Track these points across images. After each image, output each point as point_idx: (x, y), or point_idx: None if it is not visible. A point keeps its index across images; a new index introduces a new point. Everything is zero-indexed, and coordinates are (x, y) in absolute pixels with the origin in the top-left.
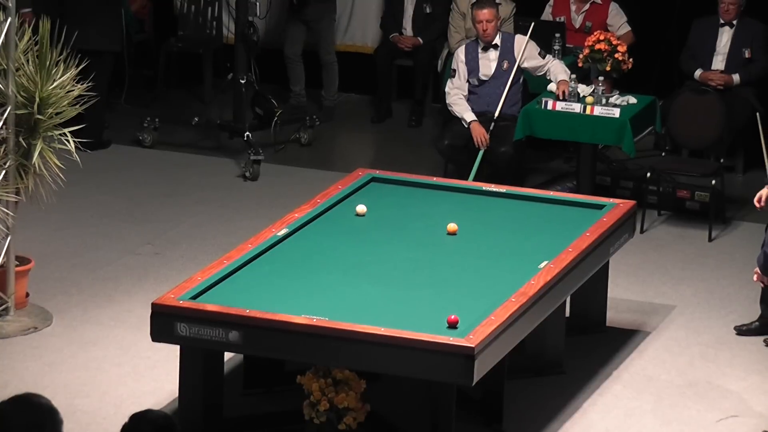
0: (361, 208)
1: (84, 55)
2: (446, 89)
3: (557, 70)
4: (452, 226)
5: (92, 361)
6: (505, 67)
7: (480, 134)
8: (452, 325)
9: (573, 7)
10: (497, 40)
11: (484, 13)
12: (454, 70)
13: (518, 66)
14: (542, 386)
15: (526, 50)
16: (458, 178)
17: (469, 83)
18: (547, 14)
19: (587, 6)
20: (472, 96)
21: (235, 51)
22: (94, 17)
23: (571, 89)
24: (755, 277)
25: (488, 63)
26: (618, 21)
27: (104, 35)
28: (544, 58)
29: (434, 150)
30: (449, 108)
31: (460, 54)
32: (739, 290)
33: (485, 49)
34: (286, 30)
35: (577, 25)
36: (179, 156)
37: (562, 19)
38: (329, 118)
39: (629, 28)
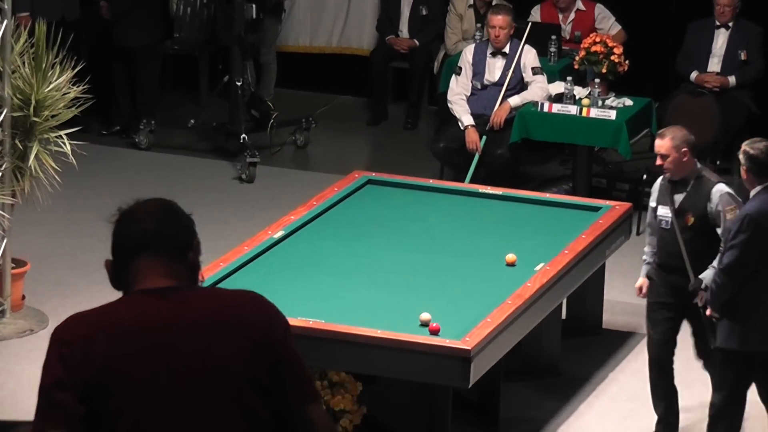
0: None
1: (132, 51)
2: (451, 85)
3: (532, 89)
4: (511, 257)
5: None
6: (509, 76)
7: (472, 141)
8: (434, 333)
9: (560, 17)
10: (507, 49)
11: (498, 20)
12: (460, 68)
13: (515, 72)
14: (538, 389)
15: (526, 60)
16: (454, 181)
17: (472, 85)
18: None
19: (573, 15)
20: (471, 97)
21: (230, 54)
22: (135, 15)
23: (567, 91)
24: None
25: (494, 69)
26: (607, 23)
27: (144, 30)
28: (535, 74)
29: (430, 152)
30: (449, 105)
31: (468, 54)
32: None
33: (494, 54)
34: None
35: (567, 36)
36: (175, 158)
37: None
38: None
39: (620, 27)
